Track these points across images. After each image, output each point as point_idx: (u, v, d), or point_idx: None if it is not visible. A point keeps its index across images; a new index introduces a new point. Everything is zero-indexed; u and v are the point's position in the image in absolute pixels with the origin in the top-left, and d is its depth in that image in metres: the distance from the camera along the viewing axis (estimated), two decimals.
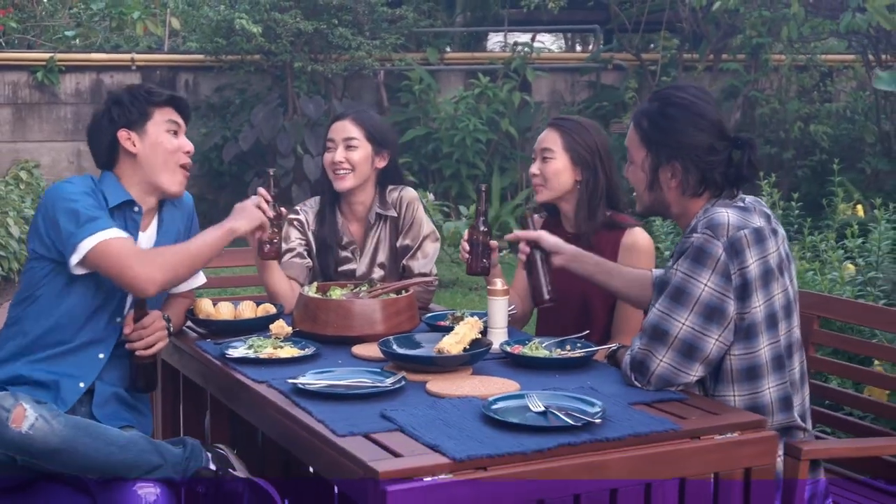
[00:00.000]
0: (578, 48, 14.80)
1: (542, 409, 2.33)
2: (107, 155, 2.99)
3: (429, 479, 2.05)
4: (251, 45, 10.00)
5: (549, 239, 3.02)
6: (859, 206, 5.49)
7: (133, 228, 2.94)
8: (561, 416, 2.28)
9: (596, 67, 11.72)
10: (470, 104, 10.70)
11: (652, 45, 11.09)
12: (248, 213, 2.99)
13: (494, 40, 13.40)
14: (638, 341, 2.57)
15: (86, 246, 2.74)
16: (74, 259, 2.76)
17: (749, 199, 2.69)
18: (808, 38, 9.61)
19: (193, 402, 3.31)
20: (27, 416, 2.48)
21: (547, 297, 3.00)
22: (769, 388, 2.56)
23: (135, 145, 2.96)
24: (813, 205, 7.59)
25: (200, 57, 10.79)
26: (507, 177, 11.06)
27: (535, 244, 3.01)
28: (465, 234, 3.16)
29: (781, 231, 2.65)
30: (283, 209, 3.13)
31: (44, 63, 10.42)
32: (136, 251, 2.82)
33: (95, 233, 2.76)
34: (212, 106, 10.94)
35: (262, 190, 3.09)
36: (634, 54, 11.00)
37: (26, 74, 10.45)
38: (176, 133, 3.01)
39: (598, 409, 2.30)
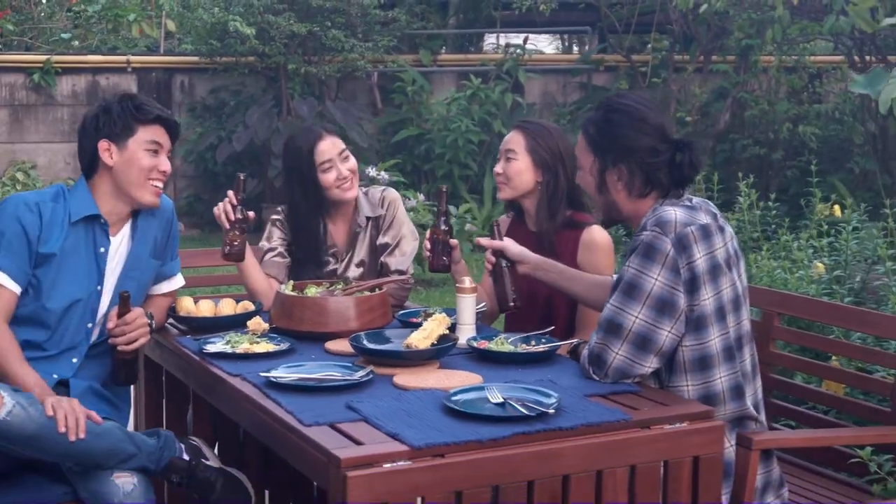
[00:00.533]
0: (576, 49, 14.90)
1: (501, 400, 2.44)
2: (88, 161, 3.09)
3: (388, 465, 2.16)
4: (245, 47, 10.11)
5: (513, 248, 3.14)
6: (836, 207, 5.59)
7: (100, 239, 3.03)
8: (518, 406, 2.39)
9: (587, 69, 11.84)
10: (462, 105, 10.81)
11: (648, 46, 11.19)
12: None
13: (490, 41, 13.52)
14: (595, 336, 2.69)
15: None
16: None
17: (696, 199, 2.80)
18: (797, 40, 9.72)
19: (176, 396, 3.42)
20: (5, 404, 2.58)
21: (511, 304, 3.13)
22: (720, 378, 2.67)
23: (112, 157, 3.04)
24: (800, 205, 7.70)
25: (195, 59, 10.90)
26: None
27: (500, 253, 3.13)
28: (428, 233, 3.29)
29: (729, 229, 2.76)
30: (249, 213, 3.25)
31: (40, 65, 10.54)
32: None
33: None
34: (207, 107, 11.06)
35: (230, 193, 3.20)
36: (625, 56, 11.11)
37: (23, 76, 10.57)
38: (156, 152, 3.07)
39: (554, 401, 2.41)
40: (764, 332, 3.32)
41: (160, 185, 3.11)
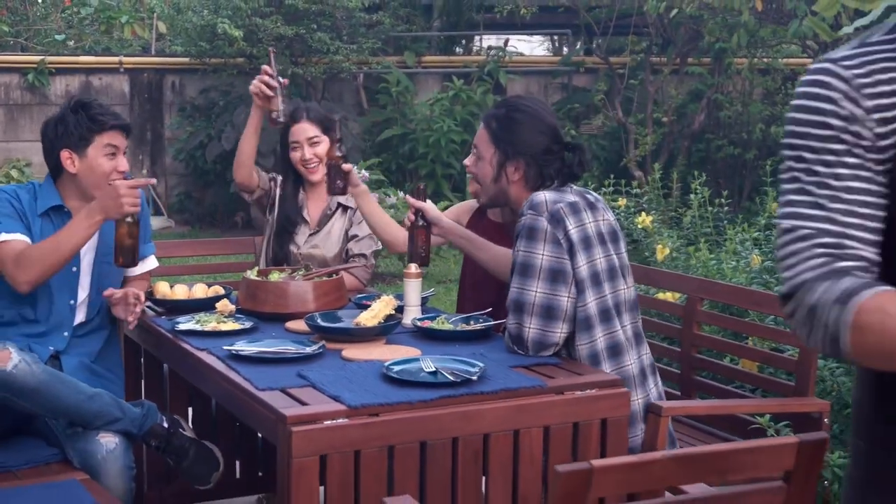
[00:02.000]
0: (566, 50, 15.22)
1: (433, 369, 2.78)
2: (53, 165, 3.40)
3: (329, 422, 2.50)
4: (233, 48, 10.44)
5: (431, 211, 3.46)
6: None
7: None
8: (446, 374, 2.73)
9: (567, 71, 12.18)
10: (445, 106, 11.15)
11: (629, 49, 11.51)
12: (113, 201, 3.19)
13: (476, 43, 13.84)
14: (509, 318, 3.02)
15: None
16: None
17: (575, 188, 3.16)
18: (770, 43, 10.05)
19: (154, 374, 3.75)
20: (12, 358, 2.92)
21: (420, 258, 3.44)
22: (599, 338, 3.00)
23: (74, 165, 3.35)
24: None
25: (186, 60, 11.23)
26: None
27: (420, 212, 3.46)
28: (325, 159, 3.65)
29: (604, 212, 3.10)
30: (284, 80, 3.77)
31: (34, 66, 10.87)
32: (15, 254, 3.20)
33: None
34: (197, 107, 11.39)
35: (264, 67, 3.71)
36: (602, 58, 11.44)
37: (18, 76, 10.90)
38: (114, 155, 3.38)
39: (478, 370, 2.75)
40: (689, 316, 3.67)
41: None
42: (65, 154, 3.37)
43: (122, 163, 3.43)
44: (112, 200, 3.19)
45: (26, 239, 3.28)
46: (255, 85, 3.74)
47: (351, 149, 10.72)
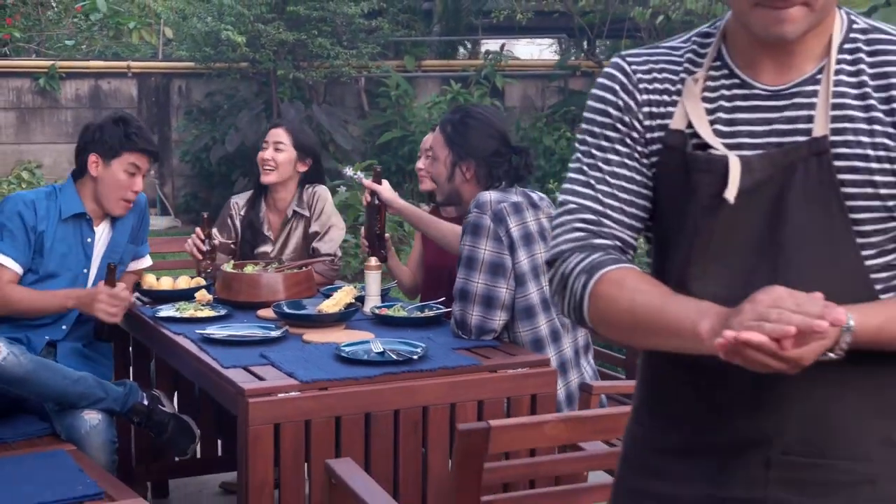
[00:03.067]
0: (572, 52, 15.51)
1: (381, 350, 3.11)
2: (80, 164, 3.75)
3: (282, 395, 2.83)
4: (236, 54, 10.79)
5: (386, 193, 3.77)
6: None
7: (86, 231, 3.69)
8: (391, 354, 3.06)
9: (563, 74, 12.50)
10: (443, 109, 11.46)
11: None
12: (92, 304, 3.54)
13: (485, 48, 14.15)
14: (455, 306, 3.34)
15: None
16: None
17: (520, 189, 3.47)
18: None
19: (141, 356, 4.09)
20: (1, 351, 3.25)
21: (376, 235, 3.77)
22: (542, 325, 3.31)
23: (97, 170, 3.69)
24: None
25: (192, 64, 11.59)
26: None
27: (375, 193, 3.77)
28: (364, 231, 3.91)
29: (548, 210, 3.41)
30: (215, 242, 4.01)
31: (46, 70, 11.24)
32: (2, 283, 3.55)
33: None
34: (202, 110, 11.75)
35: (197, 230, 3.96)
36: (596, 62, 11.76)
37: (29, 81, 11.27)
38: (133, 175, 3.72)
39: (421, 350, 3.07)
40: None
41: (130, 202, 3.76)
42: (93, 157, 3.71)
43: (139, 183, 3.76)
44: (92, 302, 3.55)
45: (17, 269, 3.59)
46: (188, 245, 4.03)
47: (352, 151, 11.08)
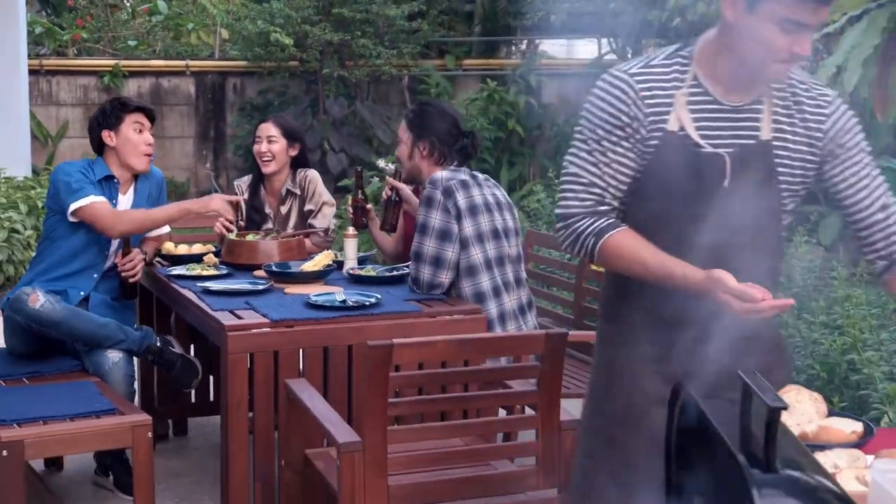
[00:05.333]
0: (629, 51, 16.01)
1: (343, 299, 3.79)
2: (97, 145, 4.50)
3: (255, 330, 3.53)
4: (284, 54, 11.55)
5: (405, 191, 4.45)
6: None
7: (114, 193, 4.43)
8: (350, 302, 3.74)
9: (598, 72, 13.06)
10: (480, 106, 12.12)
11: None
12: (204, 203, 4.46)
13: (531, 47, 14.77)
14: (411, 265, 4.01)
15: (74, 206, 4.25)
16: (68, 213, 4.27)
17: (468, 171, 4.12)
18: None
19: (164, 316, 4.82)
20: (39, 299, 4.00)
21: (391, 225, 4.47)
22: (484, 281, 3.96)
23: (113, 140, 4.44)
24: None
25: (245, 63, 12.37)
26: (514, 170, 12.48)
27: (396, 189, 4.45)
28: (350, 200, 4.62)
29: (492, 189, 4.06)
30: (241, 223, 4.75)
31: (110, 69, 12.09)
32: (108, 209, 4.28)
33: (80, 198, 4.27)
34: (255, 106, 12.51)
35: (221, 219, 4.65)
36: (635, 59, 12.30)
37: (95, 79, 12.13)
38: (141, 131, 4.47)
39: (375, 300, 3.75)
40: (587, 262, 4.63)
41: (149, 154, 4.49)
42: (105, 133, 4.46)
43: (149, 137, 4.50)
44: (202, 205, 4.54)
45: (106, 201, 4.33)
46: (217, 227, 4.68)
47: (392, 145, 11.78)
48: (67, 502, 4.19)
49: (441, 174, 4.02)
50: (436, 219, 3.95)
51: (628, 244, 2.37)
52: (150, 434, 3.56)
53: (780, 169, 2.40)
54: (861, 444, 2.14)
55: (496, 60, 13.55)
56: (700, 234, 2.32)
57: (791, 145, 2.41)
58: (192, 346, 4.77)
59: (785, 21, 2.22)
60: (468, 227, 3.96)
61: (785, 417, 2.25)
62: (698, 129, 2.36)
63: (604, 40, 13.39)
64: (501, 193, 4.15)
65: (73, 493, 4.35)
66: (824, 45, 9.03)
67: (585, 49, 16.09)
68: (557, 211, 2.47)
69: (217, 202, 4.47)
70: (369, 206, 4.64)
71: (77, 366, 4.20)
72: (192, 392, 4.87)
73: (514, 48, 13.94)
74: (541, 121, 12.64)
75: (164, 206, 4.49)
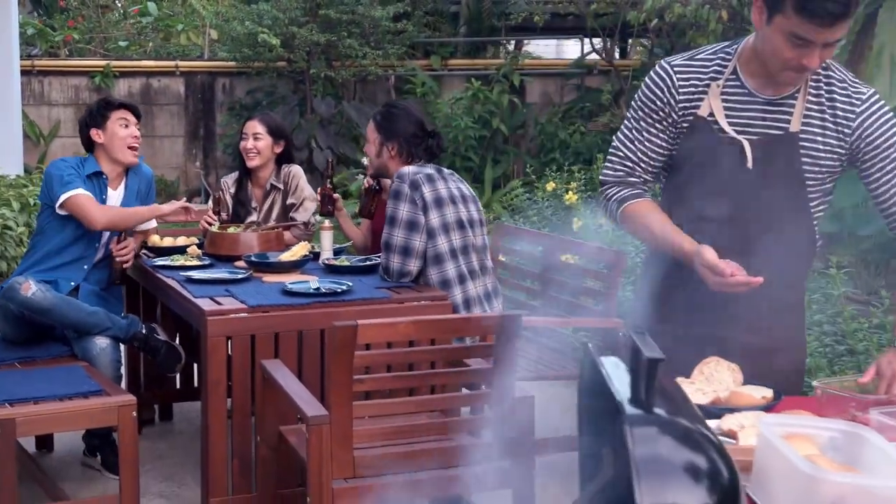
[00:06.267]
0: (588, 53, 16.27)
1: (317, 286, 4.03)
2: (86, 144, 4.73)
3: (233, 315, 3.77)
4: (272, 54, 11.78)
5: (386, 182, 4.67)
6: None
7: (104, 188, 4.66)
8: (323, 289, 3.98)
9: (580, 72, 13.33)
10: (464, 105, 12.37)
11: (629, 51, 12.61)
12: (172, 208, 4.69)
13: (518, 47, 15.01)
14: (382, 255, 4.24)
15: (63, 197, 4.49)
16: (57, 205, 4.51)
17: (434, 166, 4.35)
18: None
19: (150, 307, 5.05)
20: (31, 287, 4.24)
21: (368, 212, 4.73)
22: (450, 269, 4.20)
23: (101, 137, 4.68)
24: None
25: (234, 64, 12.60)
26: (499, 168, 12.72)
27: (377, 181, 4.70)
28: (319, 189, 4.87)
29: (457, 183, 4.30)
30: (223, 215, 4.99)
31: (101, 69, 12.31)
32: (93, 203, 4.51)
33: (68, 190, 4.50)
34: (244, 105, 12.73)
35: (209, 213, 4.95)
36: (607, 61, 12.58)
37: (86, 79, 12.35)
38: (126, 125, 4.71)
39: (346, 287, 3.99)
40: (550, 253, 4.88)
41: (135, 148, 4.72)
42: (93, 131, 4.70)
43: (135, 131, 4.74)
44: (172, 211, 4.74)
45: (91, 195, 4.56)
46: (202, 224, 4.98)
47: None
48: (58, 482, 4.40)
49: (408, 169, 4.26)
50: (404, 210, 4.18)
51: (643, 213, 2.72)
52: (134, 413, 3.78)
53: (805, 159, 2.64)
54: (768, 407, 2.38)
55: (481, 60, 13.79)
56: (719, 211, 2.66)
57: (819, 138, 2.63)
58: (177, 335, 5.00)
59: (792, 35, 2.46)
60: (434, 218, 4.19)
61: (703, 385, 2.51)
62: (728, 116, 2.65)
63: (586, 41, 13.65)
64: (465, 187, 4.39)
65: (63, 473, 4.58)
66: None
67: (570, 49, 16.37)
68: (600, 177, 2.85)
69: (172, 207, 4.78)
70: (336, 195, 4.88)
71: (67, 351, 4.43)
72: (177, 379, 5.11)
73: (499, 48, 14.16)
74: (524, 119, 12.90)
75: (140, 207, 4.72)
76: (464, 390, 3.75)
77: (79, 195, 4.50)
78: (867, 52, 7.11)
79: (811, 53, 2.46)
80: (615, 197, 2.78)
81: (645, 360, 1.58)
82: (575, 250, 4.90)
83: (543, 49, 15.84)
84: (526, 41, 13.98)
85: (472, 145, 12.31)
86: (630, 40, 13.79)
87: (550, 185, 7.89)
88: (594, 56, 13.36)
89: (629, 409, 1.54)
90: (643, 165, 2.76)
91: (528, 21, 12.43)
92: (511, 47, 13.61)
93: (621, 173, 2.78)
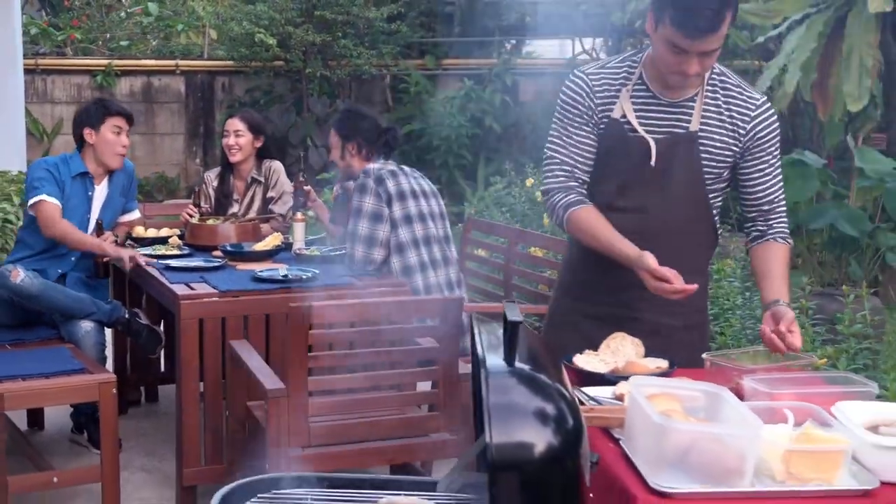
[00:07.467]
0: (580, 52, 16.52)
1: (286, 273, 4.33)
2: (78, 140, 5.03)
3: (205, 299, 4.07)
4: (269, 54, 12.08)
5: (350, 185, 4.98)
6: None
7: (89, 186, 4.95)
8: (290, 276, 4.28)
9: (570, 71, 13.59)
10: (457, 103, 12.65)
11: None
12: (116, 252, 4.81)
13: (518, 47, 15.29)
14: (347, 244, 4.53)
15: (31, 200, 4.81)
16: (28, 206, 4.83)
17: (395, 163, 4.64)
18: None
19: (134, 290, 5.36)
20: (20, 275, 4.54)
21: (337, 220, 5.00)
22: (412, 258, 4.49)
23: (92, 138, 4.97)
24: None
25: (232, 63, 12.90)
26: (492, 166, 13.01)
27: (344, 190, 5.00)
28: (293, 184, 5.17)
29: (418, 180, 4.59)
30: (205, 207, 5.31)
31: (103, 68, 12.62)
32: (52, 214, 4.77)
33: (34, 196, 4.81)
34: (243, 104, 13.00)
35: (190, 206, 5.28)
36: (596, 59, 12.84)
37: (88, 78, 12.66)
38: (119, 133, 4.99)
39: (311, 275, 4.29)
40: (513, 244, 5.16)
41: (122, 154, 5.01)
42: (86, 130, 4.99)
43: (125, 139, 5.03)
44: (116, 257, 4.82)
45: (57, 203, 4.84)
46: (184, 216, 5.32)
47: None
48: (47, 457, 4.70)
49: (373, 165, 4.55)
50: (369, 203, 4.47)
51: (586, 219, 2.94)
52: (114, 390, 4.08)
53: (704, 155, 2.95)
54: (661, 376, 2.67)
55: (475, 60, 14.07)
56: (627, 202, 2.97)
57: (716, 136, 2.93)
58: (161, 322, 5.30)
59: (671, 44, 2.77)
60: (397, 211, 4.48)
61: (607, 357, 2.80)
62: (638, 117, 2.94)
63: (577, 40, 13.92)
64: (427, 183, 4.68)
65: (52, 449, 4.88)
66: (775, 46, 9.57)
67: (561, 49, 16.63)
68: (541, 188, 3.08)
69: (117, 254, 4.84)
70: (308, 188, 5.18)
71: (54, 334, 4.74)
72: (162, 363, 5.41)
73: (493, 48, 14.44)
74: (517, 118, 13.20)
75: (89, 238, 4.88)
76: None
77: (42, 202, 4.80)
78: (837, 56, 7.39)
79: (689, 61, 2.76)
80: (560, 203, 2.97)
81: (509, 322, 1.88)
82: (541, 243, 5.19)
83: (535, 50, 16.09)
84: (523, 40, 14.20)
85: (466, 143, 12.59)
86: (622, 40, 14.03)
87: (529, 182, 8.17)
88: (585, 56, 13.63)
89: (490, 363, 1.83)
90: (580, 167, 2.98)
91: (521, 22, 12.72)
92: (504, 47, 13.85)
93: (562, 178, 2.98)
